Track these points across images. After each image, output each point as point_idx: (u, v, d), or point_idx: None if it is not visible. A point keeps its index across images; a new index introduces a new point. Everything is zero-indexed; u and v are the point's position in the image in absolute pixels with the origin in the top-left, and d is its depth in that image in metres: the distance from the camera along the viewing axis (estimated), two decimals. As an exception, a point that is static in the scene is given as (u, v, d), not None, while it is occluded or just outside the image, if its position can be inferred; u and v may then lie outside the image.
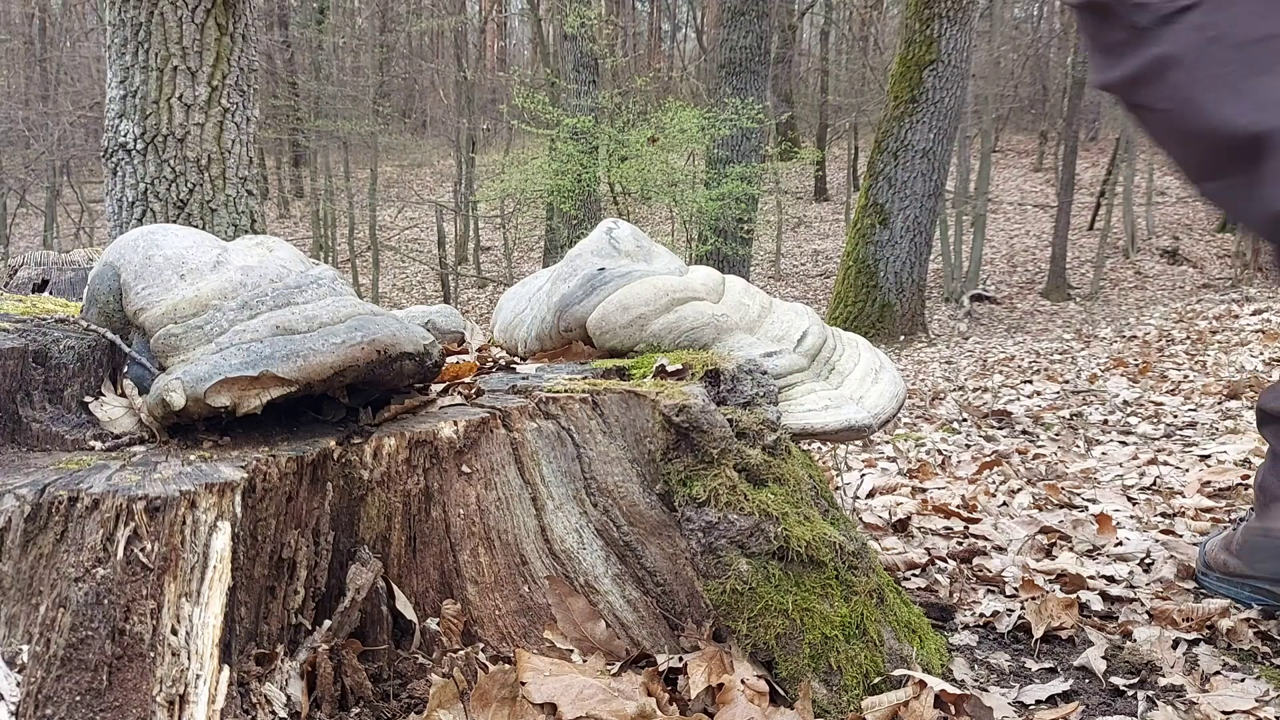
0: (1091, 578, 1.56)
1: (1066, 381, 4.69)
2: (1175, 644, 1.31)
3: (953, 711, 1.07)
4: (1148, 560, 1.65)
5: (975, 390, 5.13)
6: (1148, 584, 1.55)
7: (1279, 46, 1.15)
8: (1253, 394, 3.52)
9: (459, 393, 1.16)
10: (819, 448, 3.38)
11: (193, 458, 0.93)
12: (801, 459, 1.23)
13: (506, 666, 0.99)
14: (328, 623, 0.97)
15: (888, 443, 3.48)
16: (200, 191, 3.92)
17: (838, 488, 2.35)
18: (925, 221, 9.02)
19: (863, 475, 2.80)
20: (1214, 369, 4.46)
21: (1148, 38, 1.24)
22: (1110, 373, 4.73)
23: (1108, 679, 1.24)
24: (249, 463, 0.91)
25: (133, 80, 3.88)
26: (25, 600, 0.79)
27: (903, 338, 8.92)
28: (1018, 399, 4.42)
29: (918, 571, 1.63)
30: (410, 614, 1.02)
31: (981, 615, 1.44)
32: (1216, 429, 3.05)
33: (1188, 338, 5.66)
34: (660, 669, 1.03)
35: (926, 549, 1.74)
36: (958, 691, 1.08)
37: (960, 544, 1.76)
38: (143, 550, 0.81)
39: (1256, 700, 1.15)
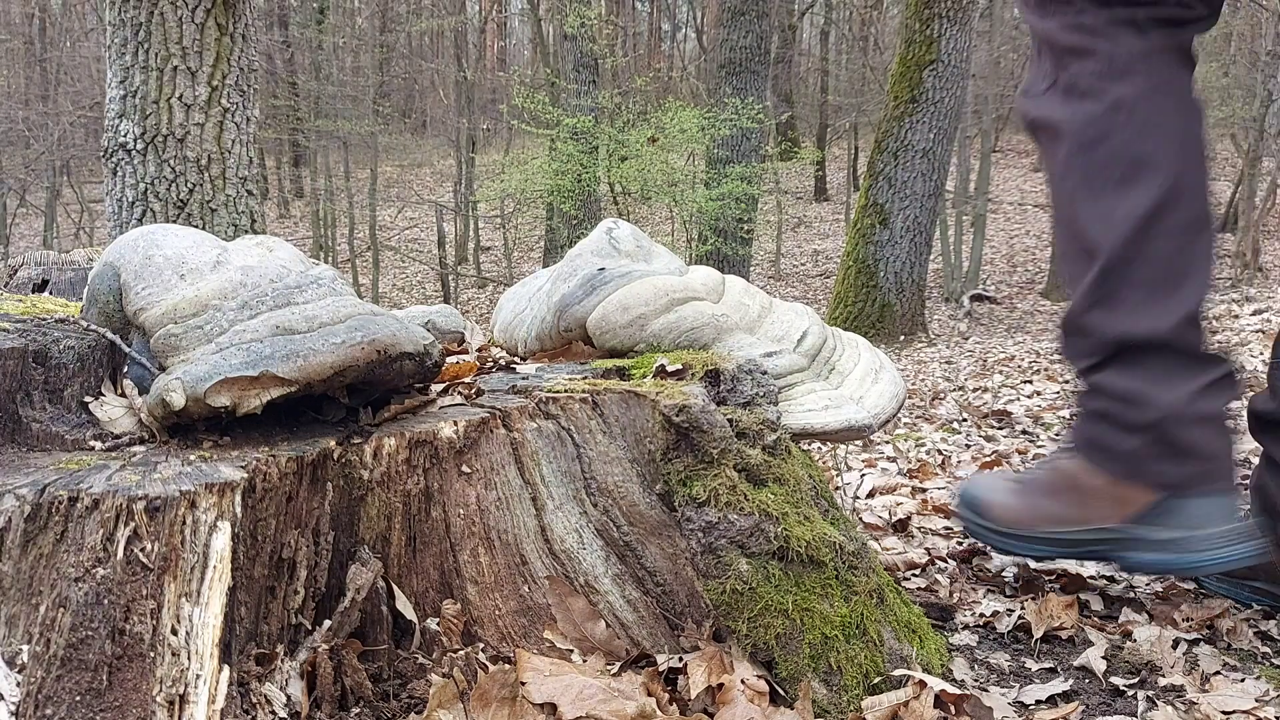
0: (1091, 578, 1.56)
1: (1066, 381, 4.69)
2: (1175, 644, 1.31)
3: (953, 711, 1.07)
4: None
5: (975, 390, 5.13)
6: (1148, 584, 1.55)
7: (1141, 169, 1.26)
8: (1252, 393, 3.51)
9: (459, 393, 1.16)
10: (819, 448, 3.38)
11: (193, 458, 0.93)
12: (801, 459, 1.23)
13: (506, 666, 0.99)
14: (328, 623, 0.97)
15: (888, 443, 3.47)
16: (200, 191, 3.93)
17: (838, 488, 2.35)
18: (925, 221, 9.02)
19: (863, 475, 2.80)
20: (1214, 369, 4.44)
21: (1055, 93, 1.33)
22: (1110, 373, 4.71)
23: (1108, 679, 1.24)
24: (249, 463, 0.91)
25: (133, 80, 3.88)
26: (25, 600, 0.79)
27: (903, 338, 8.92)
28: (1018, 399, 4.42)
29: (918, 571, 1.63)
30: (410, 614, 1.03)
31: (981, 615, 1.44)
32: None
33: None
34: (660, 669, 1.03)
35: (926, 549, 1.74)
36: (958, 691, 1.08)
37: (960, 544, 1.76)
38: (143, 550, 0.81)
39: (1256, 700, 1.15)
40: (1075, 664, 1.29)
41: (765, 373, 1.22)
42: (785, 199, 18.64)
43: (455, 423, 1.05)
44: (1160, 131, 1.26)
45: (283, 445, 0.97)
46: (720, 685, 1.01)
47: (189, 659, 0.81)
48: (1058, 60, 1.33)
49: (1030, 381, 4.98)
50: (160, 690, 0.80)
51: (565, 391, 1.09)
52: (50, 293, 2.05)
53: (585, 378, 1.20)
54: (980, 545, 1.66)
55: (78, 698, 0.78)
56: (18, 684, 0.77)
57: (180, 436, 1.00)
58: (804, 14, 21.22)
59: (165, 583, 0.82)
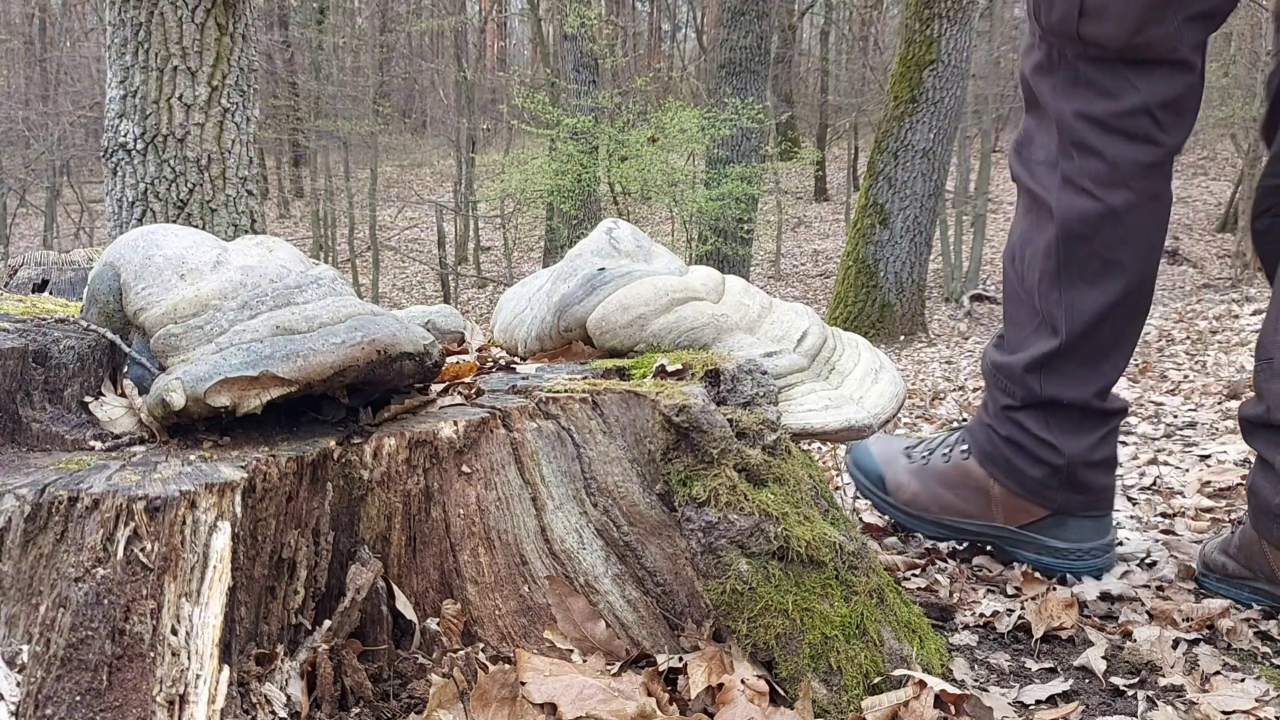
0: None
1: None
2: (1175, 644, 1.31)
3: (953, 711, 1.07)
4: (1148, 560, 1.65)
5: (975, 390, 5.13)
6: (1148, 584, 1.55)
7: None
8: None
9: (459, 393, 1.16)
10: (819, 448, 3.38)
11: (193, 458, 0.93)
12: (801, 459, 1.23)
13: (506, 666, 0.99)
14: (328, 623, 0.97)
15: (888, 443, 3.47)
16: (200, 191, 3.93)
17: (838, 488, 2.35)
18: (925, 221, 9.02)
19: (863, 475, 2.80)
20: (1214, 369, 4.46)
21: (1054, 174, 1.44)
22: (1110, 373, 4.72)
23: (1108, 679, 1.24)
24: (249, 463, 0.91)
25: (133, 80, 3.88)
26: (25, 600, 0.79)
27: (903, 338, 8.92)
28: (1018, 399, 4.40)
29: (918, 571, 1.63)
30: (410, 614, 1.03)
31: (981, 615, 1.44)
32: (1216, 429, 3.05)
33: (1188, 338, 5.66)
34: (660, 669, 1.03)
35: (926, 549, 1.74)
36: (958, 691, 1.08)
37: (960, 544, 1.76)
38: (143, 550, 0.81)
39: (1256, 700, 1.15)
40: (1075, 664, 1.29)
41: (765, 373, 1.22)
42: (785, 199, 18.65)
43: (455, 423, 1.05)
44: (1136, 242, 1.41)
45: (283, 445, 0.97)
46: (720, 685, 1.01)
47: (189, 659, 0.81)
48: (1064, 146, 1.41)
49: (1030, 381, 4.96)
50: (160, 690, 0.80)
51: (565, 391, 1.09)
52: (50, 293, 2.05)
53: (585, 378, 1.20)
54: (978, 544, 1.67)
55: (78, 698, 0.78)
56: (18, 684, 0.77)
57: (180, 436, 1.00)
58: (804, 14, 21.22)
59: (165, 583, 0.82)
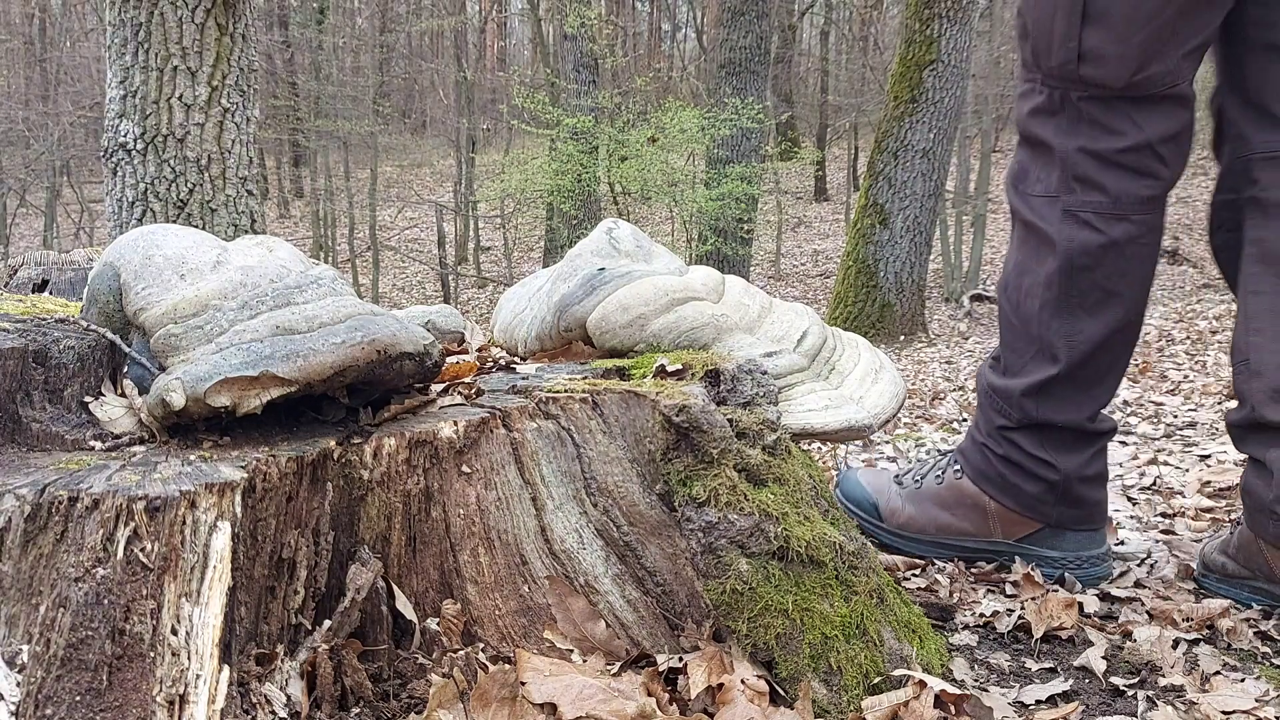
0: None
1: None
2: (1175, 644, 1.31)
3: (953, 711, 1.07)
4: (1148, 560, 1.65)
5: (975, 391, 5.12)
6: (1148, 584, 1.55)
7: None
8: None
9: (459, 393, 1.16)
10: (819, 448, 3.38)
11: (193, 458, 0.93)
12: (801, 459, 1.23)
13: (506, 666, 0.99)
14: (328, 623, 0.97)
15: (888, 443, 3.48)
16: (200, 191, 3.93)
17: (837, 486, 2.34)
18: (925, 221, 9.01)
19: (863, 475, 2.80)
20: (1214, 369, 4.46)
21: (1055, 207, 1.48)
22: (1110, 373, 4.71)
23: (1108, 679, 1.24)
24: (249, 463, 0.91)
25: (133, 80, 3.88)
26: (25, 600, 0.79)
27: (903, 338, 8.92)
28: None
29: (918, 571, 1.63)
30: (410, 614, 1.03)
31: (981, 615, 1.44)
32: (1216, 429, 3.05)
33: (1188, 338, 5.66)
34: (660, 669, 1.03)
35: (926, 549, 1.74)
36: (958, 691, 1.08)
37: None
38: (143, 550, 0.81)
39: (1256, 700, 1.15)
40: (1075, 664, 1.29)
41: (765, 373, 1.22)
42: (785, 199, 18.65)
43: (455, 423, 1.05)
44: (1134, 273, 1.46)
45: (283, 445, 0.97)
46: (720, 685, 1.01)
47: (189, 659, 0.81)
48: (1065, 180, 1.45)
49: (1030, 381, 4.96)
50: (160, 690, 0.80)
51: (565, 391, 1.09)
52: (50, 293, 2.05)
53: (585, 378, 1.20)
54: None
55: (78, 698, 0.78)
56: (18, 684, 0.77)
57: (180, 436, 1.00)
58: (804, 14, 21.21)
59: (165, 583, 0.82)
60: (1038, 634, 1.37)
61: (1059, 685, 1.22)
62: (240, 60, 3.99)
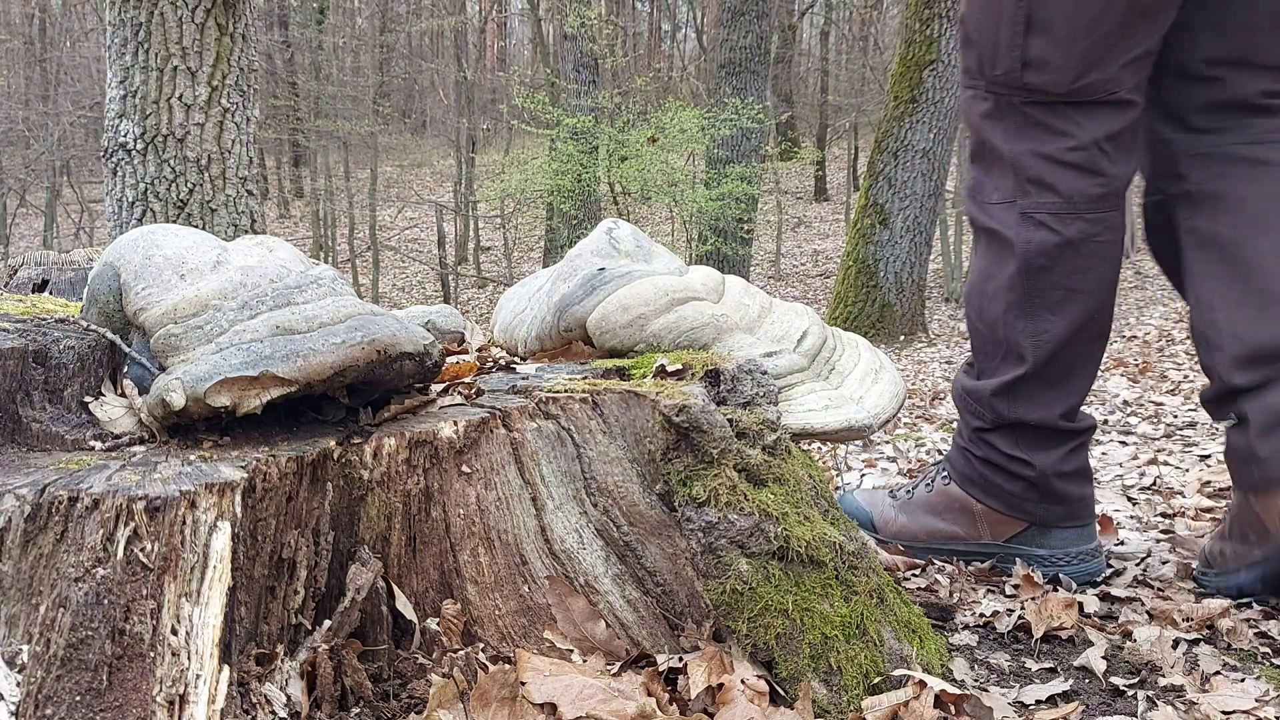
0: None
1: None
2: (1175, 644, 1.31)
3: (953, 711, 1.07)
4: (1148, 560, 1.65)
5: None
6: (1148, 584, 1.55)
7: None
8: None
9: (459, 393, 1.16)
10: (819, 448, 3.38)
11: (193, 458, 0.93)
12: (801, 459, 1.23)
13: (506, 666, 0.99)
14: (328, 623, 0.97)
15: (888, 443, 3.48)
16: (200, 191, 3.93)
17: (838, 488, 2.35)
18: (925, 221, 9.01)
19: (863, 475, 2.80)
20: (1214, 369, 4.44)
21: (1011, 212, 1.51)
22: (1110, 373, 4.73)
23: (1108, 679, 1.24)
24: (249, 463, 0.91)
25: (133, 80, 3.88)
26: (25, 600, 0.79)
27: (903, 338, 8.92)
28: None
29: (918, 571, 1.63)
30: (410, 614, 1.03)
31: (981, 615, 1.44)
32: (1216, 429, 3.05)
33: (1188, 338, 5.66)
34: (660, 669, 1.03)
35: (926, 549, 1.74)
36: (958, 691, 1.08)
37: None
38: (143, 550, 0.81)
39: (1256, 700, 1.15)
40: (1075, 664, 1.29)
41: (765, 373, 1.22)
42: (785, 199, 18.65)
43: (455, 423, 1.05)
44: (1093, 270, 1.49)
45: (283, 445, 0.97)
46: (720, 685, 1.01)
47: (189, 659, 0.81)
48: (1019, 184, 1.50)
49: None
50: (160, 690, 0.80)
51: (565, 391, 1.09)
52: (50, 293, 2.05)
53: (585, 378, 1.20)
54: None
55: (78, 698, 0.78)
56: (18, 684, 0.77)
57: (180, 436, 1.00)
58: (804, 14, 21.21)
59: (165, 583, 0.82)
60: (1038, 634, 1.37)
61: (1059, 685, 1.22)
62: (240, 60, 3.99)
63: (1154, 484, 2.30)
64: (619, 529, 1.08)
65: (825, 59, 21.67)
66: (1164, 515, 2.00)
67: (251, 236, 1.15)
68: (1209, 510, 2.00)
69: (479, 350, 1.48)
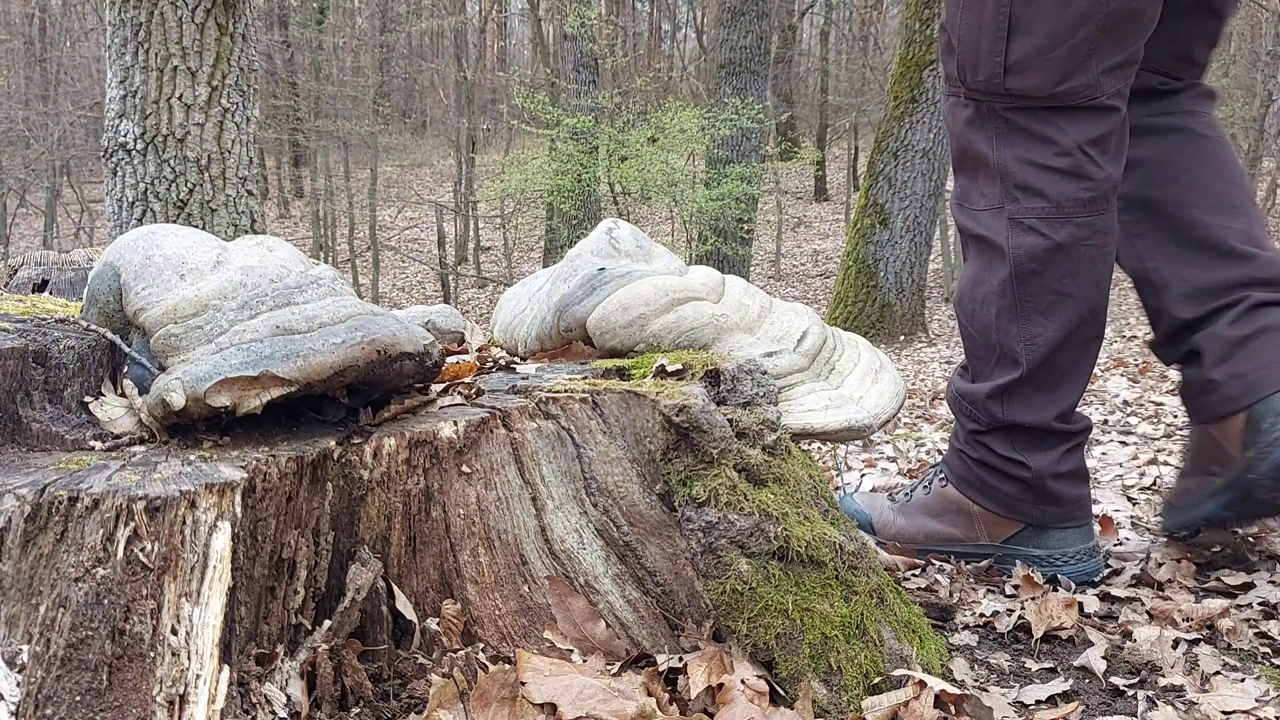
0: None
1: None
2: (1175, 644, 1.31)
3: (953, 711, 1.07)
4: (1147, 560, 1.65)
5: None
6: (1148, 584, 1.55)
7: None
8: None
9: (459, 393, 1.16)
10: (819, 448, 3.38)
11: (193, 458, 0.93)
12: (801, 459, 1.23)
13: (506, 666, 0.99)
14: (328, 623, 0.97)
15: (888, 443, 3.48)
16: (200, 191, 3.93)
17: (838, 488, 2.35)
18: (925, 221, 9.01)
19: (863, 475, 2.80)
20: (1214, 369, 4.44)
21: (1000, 218, 1.52)
22: (1110, 373, 4.72)
23: (1108, 679, 1.24)
24: (249, 463, 0.91)
25: (133, 80, 3.88)
26: (25, 600, 0.79)
27: (903, 338, 8.92)
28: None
29: (918, 571, 1.63)
30: (410, 614, 1.03)
31: (981, 615, 1.44)
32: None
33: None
34: (660, 669, 1.03)
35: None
36: (958, 691, 1.08)
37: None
38: (143, 550, 0.81)
39: (1256, 700, 1.15)
40: (1075, 664, 1.29)
41: (765, 373, 1.22)
42: (785, 199, 18.65)
43: (455, 423, 1.05)
44: (1085, 273, 1.49)
45: (283, 445, 0.97)
46: (720, 685, 1.01)
47: (189, 659, 0.81)
48: (1007, 190, 1.51)
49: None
50: (160, 690, 0.80)
51: (565, 391, 1.09)
52: (50, 293, 2.05)
53: (585, 378, 1.20)
54: None
55: (78, 698, 0.78)
56: (18, 684, 0.77)
57: (180, 436, 1.00)
58: (804, 14, 21.21)
59: (165, 583, 0.82)
60: (1038, 634, 1.37)
61: (1059, 685, 1.22)
62: (240, 60, 3.99)
63: (1154, 484, 2.30)
64: (619, 529, 1.08)
65: (825, 59, 21.67)
66: (1164, 515, 1.99)
67: (251, 236, 1.15)
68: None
69: (479, 350, 1.48)
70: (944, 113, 1.63)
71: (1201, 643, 1.33)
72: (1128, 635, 1.35)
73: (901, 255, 8.91)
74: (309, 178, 20.82)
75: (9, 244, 16.51)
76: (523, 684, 0.96)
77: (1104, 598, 1.50)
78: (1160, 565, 1.61)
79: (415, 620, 1.03)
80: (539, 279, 1.54)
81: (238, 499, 0.87)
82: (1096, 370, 4.95)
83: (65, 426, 1.01)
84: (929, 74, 8.51)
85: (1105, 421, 3.46)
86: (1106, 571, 1.60)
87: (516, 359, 1.44)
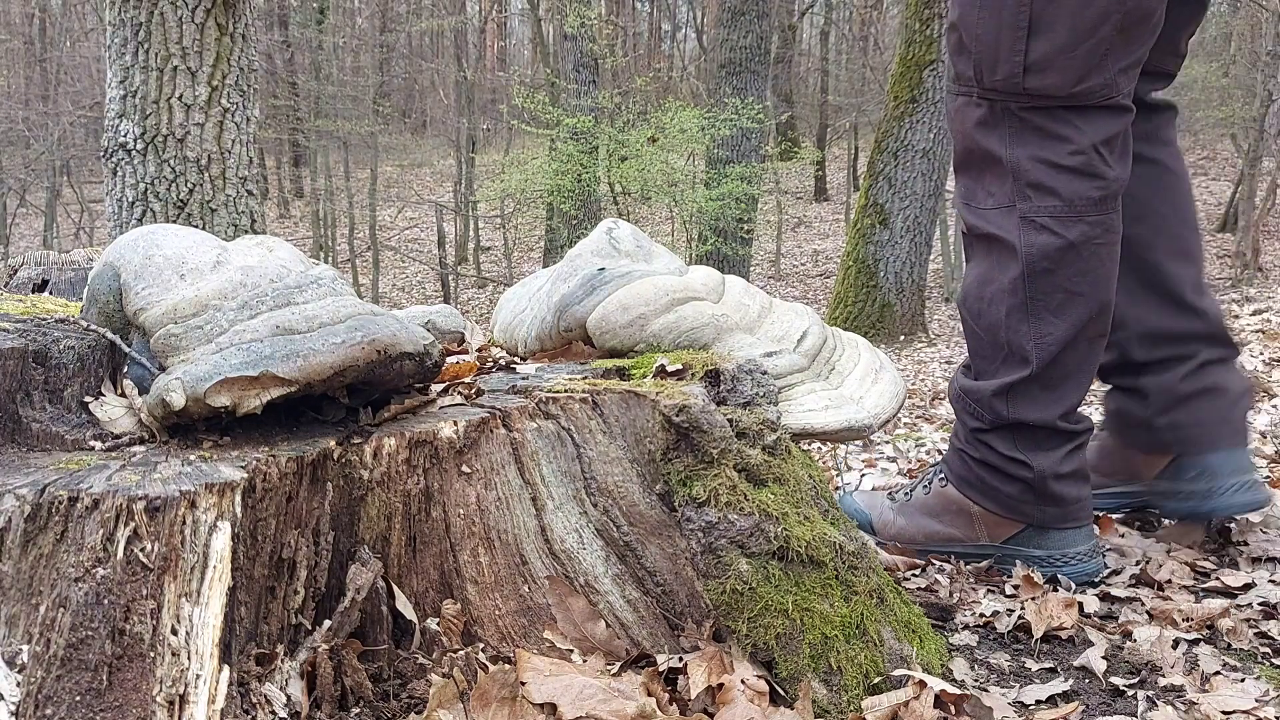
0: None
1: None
2: (1175, 644, 1.31)
3: (953, 711, 1.07)
4: (1148, 560, 1.65)
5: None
6: (1148, 584, 1.55)
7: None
8: (1253, 394, 3.51)
9: (459, 393, 1.16)
10: (819, 448, 3.38)
11: (193, 458, 0.93)
12: (801, 459, 1.23)
13: (506, 666, 0.99)
14: (328, 623, 0.97)
15: (888, 443, 3.48)
16: (200, 191, 3.93)
17: (838, 488, 2.35)
18: (925, 221, 9.01)
19: (863, 475, 2.80)
20: (1214, 369, 4.44)
21: (1011, 216, 1.53)
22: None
23: (1108, 679, 1.24)
24: (249, 463, 0.91)
25: (133, 80, 3.88)
26: (25, 600, 0.79)
27: (903, 338, 8.92)
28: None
29: (918, 571, 1.63)
30: (410, 614, 1.03)
31: (981, 615, 1.44)
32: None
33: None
34: (660, 669, 1.03)
35: (926, 549, 1.74)
36: (958, 691, 1.08)
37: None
38: (143, 550, 0.81)
39: (1256, 700, 1.15)
40: (1075, 664, 1.29)
41: (765, 373, 1.22)
42: (785, 199, 18.65)
43: (455, 423, 1.05)
44: (1094, 273, 1.51)
45: (283, 445, 0.97)
46: (720, 685, 1.01)
47: (189, 659, 0.81)
48: (1019, 189, 1.51)
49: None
50: (160, 690, 0.80)
51: (565, 391, 1.09)
52: (50, 293, 2.05)
53: (585, 378, 1.20)
54: None
55: (78, 698, 0.78)
56: (18, 684, 0.77)
57: (180, 436, 1.00)
58: (804, 14, 21.21)
59: (165, 583, 0.82)
60: (1038, 634, 1.37)
61: (1059, 685, 1.22)
62: (240, 60, 3.99)
63: (1154, 484, 2.29)
64: (619, 529, 1.08)
65: (825, 59, 21.67)
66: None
67: (251, 236, 1.15)
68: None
69: (479, 350, 1.48)
70: (948, 112, 1.63)
71: (1201, 643, 1.33)
72: (1128, 635, 1.35)
73: (901, 255, 8.91)
74: (309, 178, 20.81)
75: (9, 244, 16.51)
76: (523, 684, 0.96)
77: (1104, 598, 1.50)
78: (1160, 565, 1.61)
79: (415, 620, 1.03)
80: (539, 279, 1.54)
81: (238, 499, 0.87)
82: (1096, 370, 4.93)
83: (65, 426, 1.01)
84: (929, 74, 8.51)
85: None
86: (1106, 571, 1.60)
87: (516, 359, 1.44)
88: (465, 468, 1.05)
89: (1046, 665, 1.29)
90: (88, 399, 1.05)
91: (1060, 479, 1.55)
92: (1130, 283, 1.63)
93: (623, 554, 1.08)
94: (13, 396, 0.99)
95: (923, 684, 1.07)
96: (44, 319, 1.13)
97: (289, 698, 0.91)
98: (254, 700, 0.89)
